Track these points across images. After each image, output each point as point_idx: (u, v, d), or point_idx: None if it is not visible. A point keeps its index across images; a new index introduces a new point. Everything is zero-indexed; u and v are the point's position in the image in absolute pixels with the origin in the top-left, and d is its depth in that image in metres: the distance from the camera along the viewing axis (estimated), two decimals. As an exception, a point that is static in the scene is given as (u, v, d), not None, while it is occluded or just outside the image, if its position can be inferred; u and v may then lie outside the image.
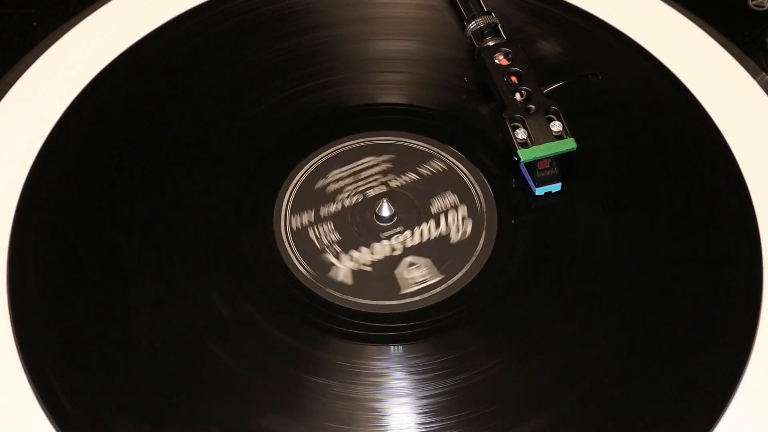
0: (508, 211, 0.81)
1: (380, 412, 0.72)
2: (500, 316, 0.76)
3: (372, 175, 0.82)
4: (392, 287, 0.78)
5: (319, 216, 0.80)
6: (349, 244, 0.80)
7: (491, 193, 0.82)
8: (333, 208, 0.81)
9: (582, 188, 0.81)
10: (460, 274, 0.78)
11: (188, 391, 0.73)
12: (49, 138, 0.83)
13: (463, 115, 0.85)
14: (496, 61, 0.83)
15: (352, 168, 0.82)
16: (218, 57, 0.88)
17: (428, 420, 0.72)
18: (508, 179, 0.82)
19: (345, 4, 0.92)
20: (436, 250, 0.80)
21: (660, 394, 0.73)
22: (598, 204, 0.81)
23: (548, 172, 0.80)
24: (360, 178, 0.82)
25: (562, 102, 0.80)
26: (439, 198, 0.82)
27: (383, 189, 0.82)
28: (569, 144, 0.79)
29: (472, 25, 0.86)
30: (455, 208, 0.81)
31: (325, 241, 0.79)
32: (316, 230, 0.80)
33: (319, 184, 0.81)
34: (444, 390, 0.73)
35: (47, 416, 0.72)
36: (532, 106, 0.80)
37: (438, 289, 0.78)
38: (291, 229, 0.79)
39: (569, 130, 0.79)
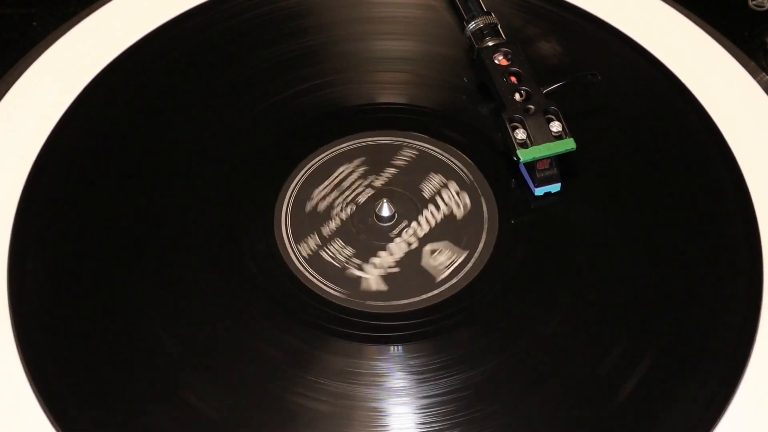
0: (508, 211, 0.81)
1: (380, 412, 0.72)
2: (500, 316, 0.76)
3: (353, 182, 0.82)
4: (427, 278, 0.78)
5: (324, 236, 0.80)
6: (365, 253, 0.79)
7: (486, 184, 0.82)
8: (333, 224, 0.80)
9: (582, 189, 0.81)
10: (481, 246, 0.79)
11: (188, 391, 0.73)
12: (49, 138, 0.83)
13: (463, 115, 0.86)
14: (496, 62, 0.83)
15: (331, 182, 0.82)
16: (218, 57, 0.88)
17: (428, 420, 0.72)
18: (508, 179, 0.82)
19: (344, 4, 0.92)
20: (449, 231, 0.80)
21: (660, 393, 0.73)
22: (598, 204, 0.81)
23: (548, 173, 0.80)
24: (344, 188, 0.82)
25: (562, 102, 0.80)
26: (426, 182, 0.82)
27: (371, 191, 0.82)
28: (569, 144, 0.79)
29: (472, 25, 0.86)
30: (445, 186, 0.81)
31: (342, 258, 0.79)
32: (328, 250, 0.79)
33: (308, 206, 0.81)
34: (444, 390, 0.73)
35: (47, 416, 0.72)
36: (532, 107, 0.80)
37: (468, 266, 0.78)
38: (303, 257, 0.79)
39: (569, 131, 0.79)
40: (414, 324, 0.76)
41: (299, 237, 0.80)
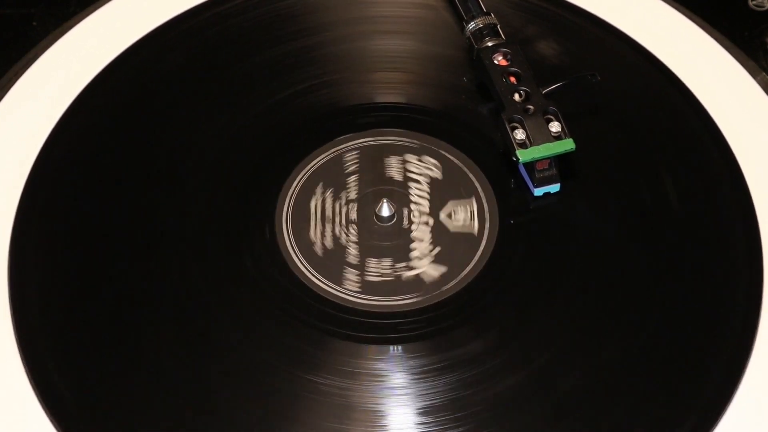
0: (508, 211, 0.81)
1: (380, 412, 0.72)
2: (499, 316, 0.76)
3: (333, 207, 0.81)
4: (467, 239, 0.80)
5: (357, 264, 0.79)
6: (401, 254, 0.79)
7: (487, 183, 0.82)
8: (353, 250, 0.80)
9: (581, 189, 0.81)
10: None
11: (188, 390, 0.73)
12: (49, 138, 0.83)
13: (463, 115, 0.86)
14: (495, 62, 0.83)
15: (315, 219, 0.81)
16: (218, 57, 0.88)
17: (427, 420, 0.72)
18: (508, 179, 0.82)
19: (343, 4, 0.92)
20: (443, 191, 0.81)
21: (660, 394, 0.73)
22: (597, 204, 0.81)
23: (547, 173, 0.80)
24: (330, 218, 0.81)
25: (561, 102, 0.80)
26: (389, 167, 0.82)
27: (354, 204, 0.81)
28: (568, 145, 0.78)
29: (471, 25, 0.86)
30: (405, 161, 0.82)
31: (388, 271, 0.79)
32: (371, 273, 0.79)
33: (318, 250, 0.79)
34: (443, 390, 0.73)
35: (48, 416, 0.72)
36: (531, 107, 0.80)
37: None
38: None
39: (568, 131, 0.79)
40: (414, 324, 0.76)
41: (327, 270, 0.79)
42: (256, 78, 0.87)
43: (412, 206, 0.81)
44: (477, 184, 0.82)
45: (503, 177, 0.82)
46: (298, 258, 0.78)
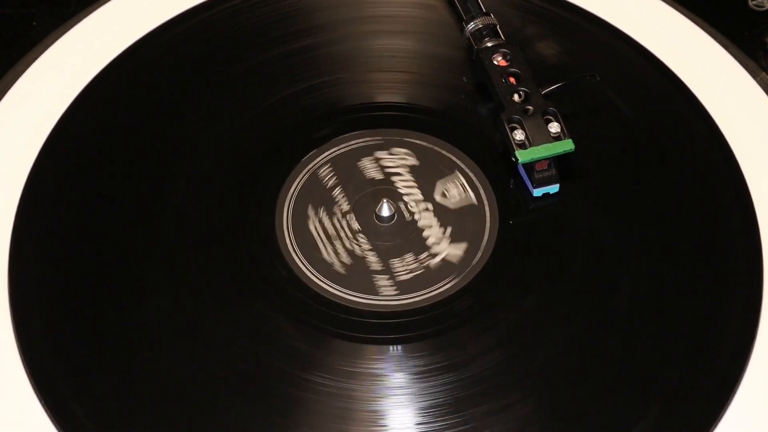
0: (507, 212, 0.81)
1: (379, 412, 0.72)
2: (499, 316, 0.76)
3: (334, 224, 0.81)
4: (472, 211, 0.81)
5: (383, 269, 0.79)
6: (419, 246, 0.80)
7: (488, 183, 0.82)
8: (373, 259, 0.79)
9: (580, 189, 0.81)
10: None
11: (189, 390, 0.73)
12: (49, 138, 0.83)
13: (462, 115, 0.86)
14: (495, 62, 0.83)
15: (324, 239, 0.80)
16: (218, 57, 0.88)
17: (427, 420, 0.72)
18: (507, 180, 0.82)
19: (342, 4, 0.92)
20: (428, 173, 0.82)
21: (660, 394, 0.73)
22: (597, 205, 0.81)
23: (546, 174, 0.80)
24: (336, 234, 0.80)
25: (561, 103, 0.80)
26: (365, 169, 0.83)
27: (352, 215, 0.81)
28: (567, 145, 0.78)
29: (471, 25, 0.86)
30: (377, 158, 0.83)
31: (415, 265, 0.79)
32: (400, 273, 0.79)
33: (340, 268, 0.79)
34: (443, 390, 0.73)
35: (48, 416, 0.72)
36: (531, 107, 0.80)
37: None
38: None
39: (567, 131, 0.79)
40: (414, 324, 0.76)
41: (359, 284, 0.78)
42: (256, 77, 0.87)
43: (405, 198, 0.81)
44: (454, 159, 0.83)
45: (503, 177, 0.82)
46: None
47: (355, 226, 0.80)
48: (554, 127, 0.79)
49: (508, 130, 0.79)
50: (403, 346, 0.75)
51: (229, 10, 0.90)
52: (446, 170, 0.82)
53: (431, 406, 0.72)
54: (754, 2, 0.92)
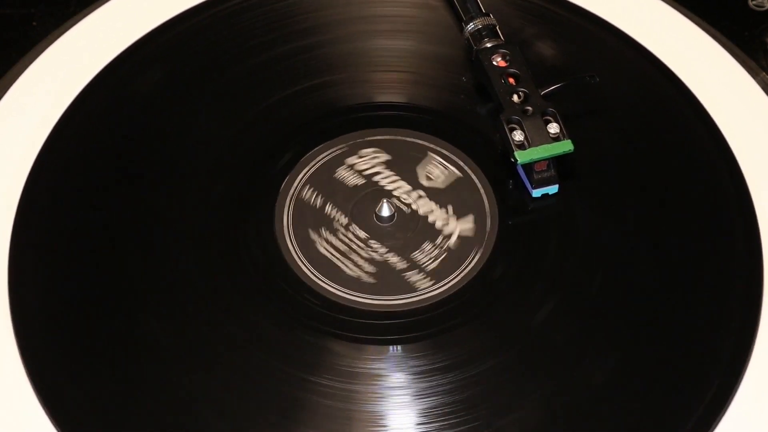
0: (507, 212, 0.81)
1: (379, 412, 0.73)
2: (499, 317, 0.76)
3: (344, 239, 0.81)
4: (464, 184, 0.82)
5: (409, 263, 0.79)
6: (431, 232, 0.80)
7: (488, 184, 0.82)
8: (395, 259, 0.79)
9: (580, 190, 0.81)
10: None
11: (189, 391, 0.73)
12: (49, 138, 0.83)
13: (462, 115, 0.86)
14: (494, 63, 0.83)
15: (339, 255, 0.80)
16: (218, 56, 0.88)
17: (427, 420, 0.72)
18: (506, 180, 0.82)
19: (342, 4, 0.92)
20: (403, 163, 0.83)
21: (660, 394, 0.73)
22: (596, 206, 0.81)
23: (545, 174, 0.80)
24: (349, 248, 0.80)
25: (560, 104, 0.80)
26: (344, 179, 0.82)
27: (356, 228, 0.81)
28: (566, 146, 0.78)
29: (470, 26, 0.85)
30: (350, 165, 0.83)
31: (435, 252, 0.79)
32: (426, 262, 0.79)
33: (366, 279, 0.79)
34: (443, 390, 0.73)
35: (48, 416, 0.72)
36: (530, 108, 0.80)
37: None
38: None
39: (566, 132, 0.79)
40: (414, 324, 0.76)
41: (394, 286, 0.78)
42: (256, 77, 0.87)
43: (395, 193, 0.81)
44: (422, 142, 0.83)
45: (502, 177, 0.82)
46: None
47: (362, 234, 0.80)
48: (553, 128, 0.79)
49: (507, 130, 0.79)
50: (403, 347, 0.75)
51: (229, 10, 0.90)
52: (419, 155, 0.83)
53: (430, 405, 0.73)
54: (754, 2, 0.92)
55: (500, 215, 0.80)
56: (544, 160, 0.79)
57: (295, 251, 0.79)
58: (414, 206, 0.81)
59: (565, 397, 0.73)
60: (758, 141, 0.84)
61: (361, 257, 0.79)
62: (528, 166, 0.80)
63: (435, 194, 0.82)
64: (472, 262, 0.78)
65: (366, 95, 0.87)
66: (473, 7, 0.86)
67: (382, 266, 0.79)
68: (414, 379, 0.74)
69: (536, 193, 0.80)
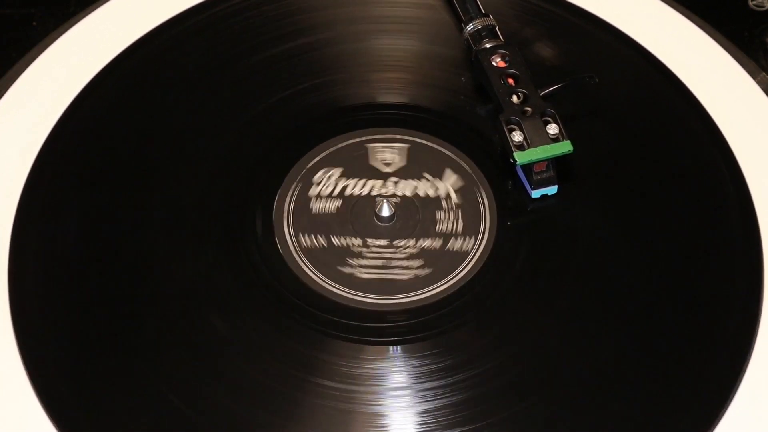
0: (506, 213, 0.81)
1: (379, 413, 0.73)
2: (499, 317, 0.76)
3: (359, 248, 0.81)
4: (421, 149, 0.83)
5: (440, 238, 0.80)
6: (433, 202, 0.81)
7: (487, 184, 0.82)
8: (429, 241, 0.80)
9: (579, 190, 0.81)
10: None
11: (188, 392, 0.73)
12: (49, 138, 0.83)
13: (462, 115, 0.86)
14: (493, 63, 0.83)
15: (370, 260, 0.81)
16: (218, 56, 0.88)
17: (427, 420, 0.72)
18: (505, 181, 0.82)
19: (341, 4, 0.92)
20: (354, 166, 0.83)
21: (660, 394, 0.73)
22: (596, 206, 0.81)
23: (544, 175, 0.80)
24: (381, 265, 0.80)
25: (559, 104, 0.80)
26: (318, 202, 0.82)
27: (381, 243, 0.81)
28: (565, 147, 0.78)
29: (470, 26, 0.85)
30: (317, 186, 0.82)
31: (450, 221, 0.80)
32: (445, 224, 0.80)
33: (400, 278, 0.79)
34: (443, 391, 0.73)
35: (48, 416, 0.72)
36: (529, 109, 0.80)
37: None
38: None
39: (566, 133, 0.79)
40: (413, 324, 0.76)
41: (443, 269, 0.79)
42: (256, 77, 0.87)
43: (374, 193, 0.82)
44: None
45: (502, 178, 0.83)
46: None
47: (383, 242, 0.80)
48: (553, 129, 0.79)
49: (506, 131, 0.79)
50: (403, 347, 0.75)
51: (229, 9, 0.90)
52: (362, 152, 0.83)
53: (430, 406, 0.73)
54: (754, 2, 0.92)
55: (499, 216, 0.80)
56: (544, 160, 0.79)
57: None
58: (399, 193, 0.82)
59: (564, 397, 0.73)
60: (758, 141, 0.84)
61: (401, 259, 0.79)
62: (527, 167, 0.80)
63: (405, 172, 0.82)
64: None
65: (366, 95, 0.87)
66: (473, 8, 0.86)
67: (424, 254, 0.79)
68: (414, 379, 0.74)
69: (535, 193, 0.80)
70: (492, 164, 0.83)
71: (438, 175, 0.82)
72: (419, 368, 0.74)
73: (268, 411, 0.72)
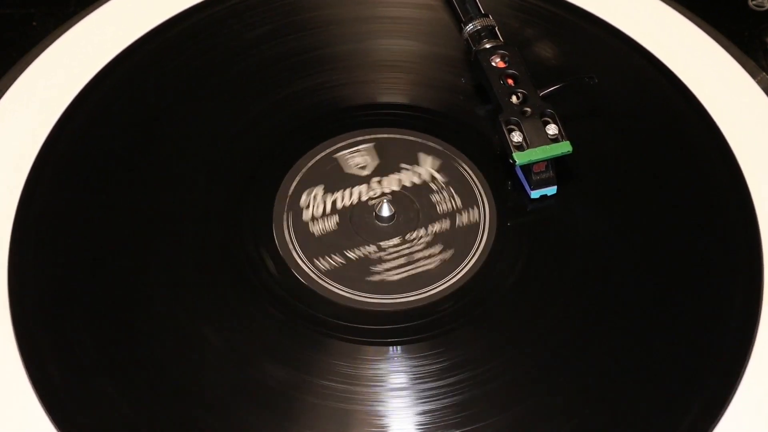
0: (505, 213, 0.81)
1: (379, 413, 0.73)
2: (499, 318, 0.76)
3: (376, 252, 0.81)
4: (391, 143, 0.84)
5: (447, 218, 0.80)
6: (423, 188, 0.81)
7: (487, 184, 0.82)
8: (444, 223, 0.81)
9: (578, 191, 0.81)
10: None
11: (188, 391, 0.73)
12: (49, 138, 0.83)
13: (461, 115, 0.86)
14: (493, 64, 0.83)
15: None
16: (217, 56, 0.88)
17: (427, 420, 0.72)
18: (505, 181, 0.82)
19: (341, 4, 0.92)
20: (335, 180, 0.83)
21: (660, 394, 0.73)
22: (595, 206, 0.81)
23: (544, 175, 0.80)
24: (405, 262, 0.80)
25: (559, 105, 0.80)
26: (312, 213, 0.82)
27: (393, 243, 0.81)
28: (565, 147, 0.78)
29: (470, 27, 0.85)
30: (312, 200, 0.82)
31: (448, 200, 0.81)
32: (447, 204, 0.81)
33: (417, 269, 0.80)
34: (443, 391, 0.73)
35: (48, 416, 0.72)
36: (528, 109, 0.80)
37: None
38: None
39: (565, 133, 0.79)
40: (413, 325, 0.76)
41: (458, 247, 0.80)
42: (255, 77, 0.87)
43: (363, 199, 0.81)
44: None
45: (501, 178, 0.82)
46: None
47: (395, 240, 0.80)
48: (552, 129, 0.79)
49: (505, 131, 0.79)
50: (403, 347, 0.75)
51: (228, 9, 0.90)
52: (333, 163, 0.83)
53: (430, 406, 0.73)
54: (754, 2, 0.92)
55: (499, 216, 0.80)
56: (543, 161, 0.79)
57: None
58: (387, 190, 0.82)
59: (565, 398, 0.73)
60: (758, 141, 0.84)
61: (421, 250, 0.80)
62: (526, 168, 0.80)
63: (383, 169, 0.82)
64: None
65: (365, 96, 0.87)
66: (472, 8, 0.86)
67: (439, 238, 0.80)
68: (414, 380, 0.74)
69: (535, 194, 0.80)
70: (491, 164, 0.83)
71: (414, 161, 0.83)
72: (419, 368, 0.74)
73: (268, 411, 0.73)
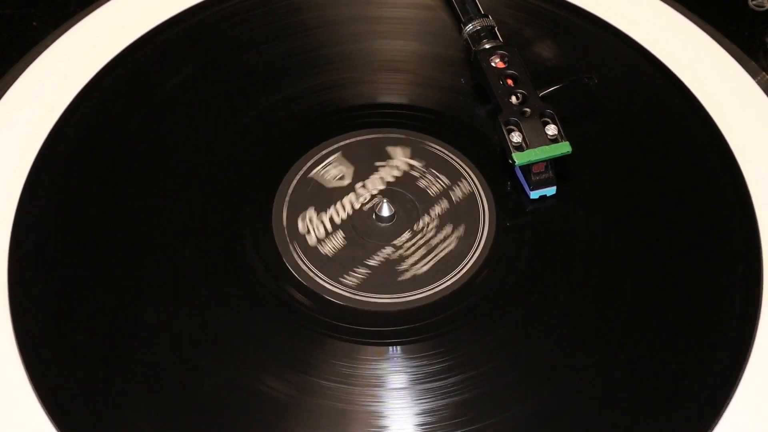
0: (505, 213, 0.81)
1: (379, 413, 0.73)
2: (498, 318, 0.76)
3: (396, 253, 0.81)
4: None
5: (444, 197, 0.81)
6: (408, 179, 0.82)
7: (486, 184, 0.82)
8: (444, 206, 0.81)
9: (578, 192, 0.81)
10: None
11: (188, 391, 0.73)
12: (49, 138, 0.83)
13: (460, 116, 0.86)
14: (492, 64, 0.83)
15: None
16: (217, 56, 0.88)
17: (427, 420, 0.72)
18: (504, 182, 0.82)
19: (341, 4, 0.92)
20: (320, 198, 0.82)
21: (660, 394, 0.73)
22: (595, 207, 0.81)
23: (543, 176, 0.80)
24: (425, 251, 0.80)
25: (558, 105, 0.80)
26: (331, 244, 0.81)
27: (403, 240, 0.81)
28: (564, 148, 0.78)
29: (469, 27, 0.85)
30: (312, 218, 0.82)
31: (438, 183, 0.81)
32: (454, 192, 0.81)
33: (439, 256, 0.80)
34: (443, 391, 0.73)
35: (48, 416, 0.72)
36: (528, 110, 0.80)
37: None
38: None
39: (564, 134, 0.79)
40: (412, 325, 0.76)
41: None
42: (255, 78, 0.87)
43: (356, 207, 0.81)
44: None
45: (500, 178, 0.82)
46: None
47: (406, 236, 0.80)
48: (551, 130, 0.79)
49: (505, 132, 0.79)
50: (402, 348, 0.75)
51: (228, 9, 0.90)
52: (310, 184, 0.82)
53: (430, 406, 0.73)
54: (754, 2, 0.92)
55: (498, 217, 0.80)
56: (542, 161, 0.79)
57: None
58: (375, 191, 0.82)
59: (564, 398, 0.73)
60: (758, 141, 0.84)
61: (435, 236, 0.80)
62: (526, 168, 0.80)
63: (361, 173, 0.82)
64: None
65: (365, 96, 0.87)
66: (472, 8, 0.86)
67: (445, 218, 0.80)
68: (413, 380, 0.74)
69: (534, 194, 0.80)
70: (491, 165, 0.83)
71: (385, 157, 0.83)
72: (418, 369, 0.74)
73: (268, 411, 0.73)
